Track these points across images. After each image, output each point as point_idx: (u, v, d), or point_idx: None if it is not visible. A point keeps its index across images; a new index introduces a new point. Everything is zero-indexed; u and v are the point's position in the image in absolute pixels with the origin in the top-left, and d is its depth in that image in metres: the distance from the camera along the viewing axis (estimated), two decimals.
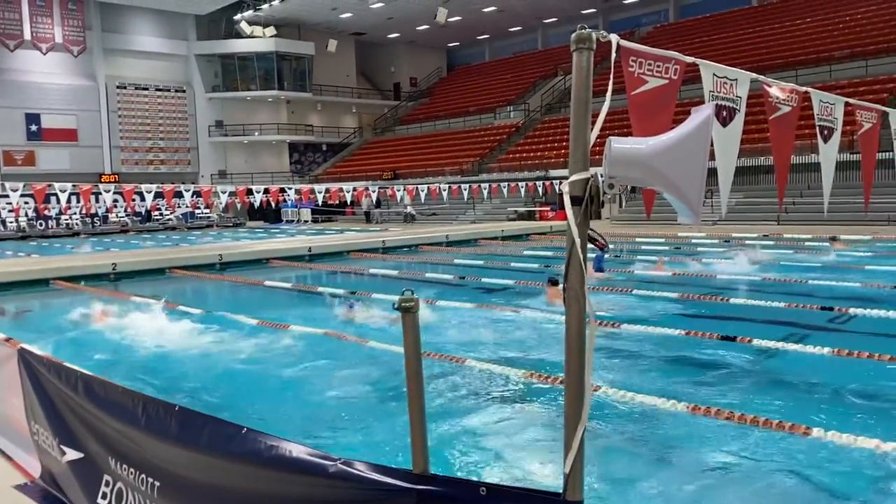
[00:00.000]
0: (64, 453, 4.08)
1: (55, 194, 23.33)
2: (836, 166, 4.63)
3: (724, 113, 3.13)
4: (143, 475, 3.34)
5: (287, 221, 40.37)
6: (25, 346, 4.99)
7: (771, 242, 18.05)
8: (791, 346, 7.17)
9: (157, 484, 3.25)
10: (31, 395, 4.54)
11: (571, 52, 2.09)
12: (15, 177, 32.91)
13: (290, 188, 25.82)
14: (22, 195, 22.09)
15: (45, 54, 39.95)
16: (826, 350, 6.71)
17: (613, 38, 2.31)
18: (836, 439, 4.55)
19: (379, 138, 51.66)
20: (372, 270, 15.34)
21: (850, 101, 4.60)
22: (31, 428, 4.63)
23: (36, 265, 15.92)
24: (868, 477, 4.28)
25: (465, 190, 29.40)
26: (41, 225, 33.85)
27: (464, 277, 13.67)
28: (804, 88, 3.96)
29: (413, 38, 52.67)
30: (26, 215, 32.88)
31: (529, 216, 32.12)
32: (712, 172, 2.65)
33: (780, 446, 4.71)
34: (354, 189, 26.98)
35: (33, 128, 39.71)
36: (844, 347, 6.71)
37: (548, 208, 31.90)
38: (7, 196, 23.78)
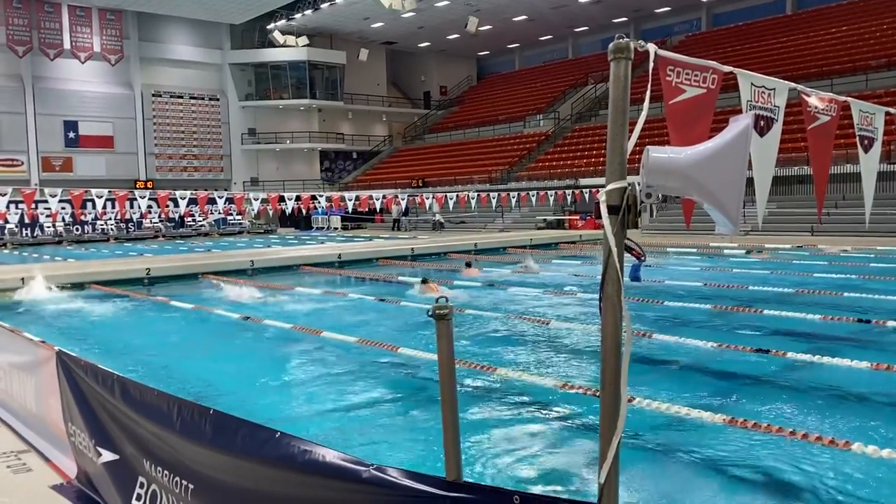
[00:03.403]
0: (100, 454, 4.14)
1: (92, 200, 23.83)
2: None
3: (762, 122, 3.10)
4: (177, 477, 3.38)
5: (317, 228, 40.66)
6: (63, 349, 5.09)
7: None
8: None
9: (190, 486, 3.29)
10: (69, 396, 4.62)
11: (609, 62, 2.08)
12: (53, 182, 33.65)
13: (320, 195, 26.02)
14: (60, 200, 22.61)
15: (83, 63, 40.84)
16: (865, 364, 6.57)
17: (651, 47, 2.30)
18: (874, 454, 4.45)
19: (409, 146, 51.90)
20: (400, 278, 15.38)
21: (891, 110, 4.52)
22: (68, 429, 4.71)
23: (72, 269, 16.22)
24: None
25: (494, 198, 29.38)
26: (77, 230, 34.47)
27: (492, 284, 13.65)
28: (843, 98, 3.90)
29: (443, 47, 52.89)
30: (63, 220, 33.53)
31: (559, 225, 31.98)
32: (749, 182, 2.62)
33: (818, 460, 4.61)
34: (384, 197, 27.10)
35: (71, 135, 40.59)
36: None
37: (577, 217, 31.72)
38: (46, 201, 24.33)
